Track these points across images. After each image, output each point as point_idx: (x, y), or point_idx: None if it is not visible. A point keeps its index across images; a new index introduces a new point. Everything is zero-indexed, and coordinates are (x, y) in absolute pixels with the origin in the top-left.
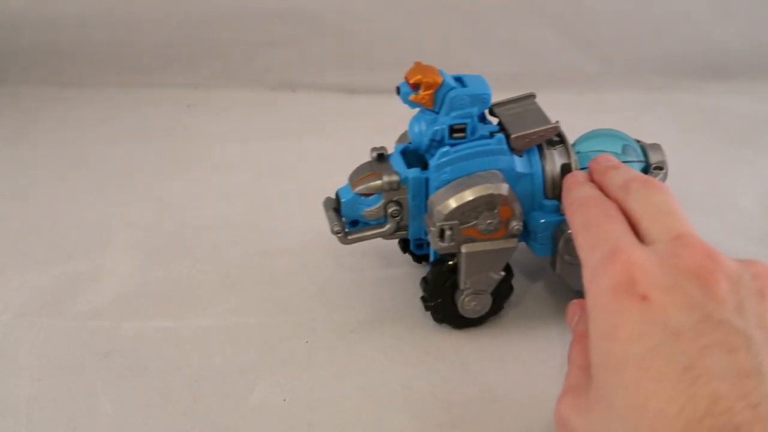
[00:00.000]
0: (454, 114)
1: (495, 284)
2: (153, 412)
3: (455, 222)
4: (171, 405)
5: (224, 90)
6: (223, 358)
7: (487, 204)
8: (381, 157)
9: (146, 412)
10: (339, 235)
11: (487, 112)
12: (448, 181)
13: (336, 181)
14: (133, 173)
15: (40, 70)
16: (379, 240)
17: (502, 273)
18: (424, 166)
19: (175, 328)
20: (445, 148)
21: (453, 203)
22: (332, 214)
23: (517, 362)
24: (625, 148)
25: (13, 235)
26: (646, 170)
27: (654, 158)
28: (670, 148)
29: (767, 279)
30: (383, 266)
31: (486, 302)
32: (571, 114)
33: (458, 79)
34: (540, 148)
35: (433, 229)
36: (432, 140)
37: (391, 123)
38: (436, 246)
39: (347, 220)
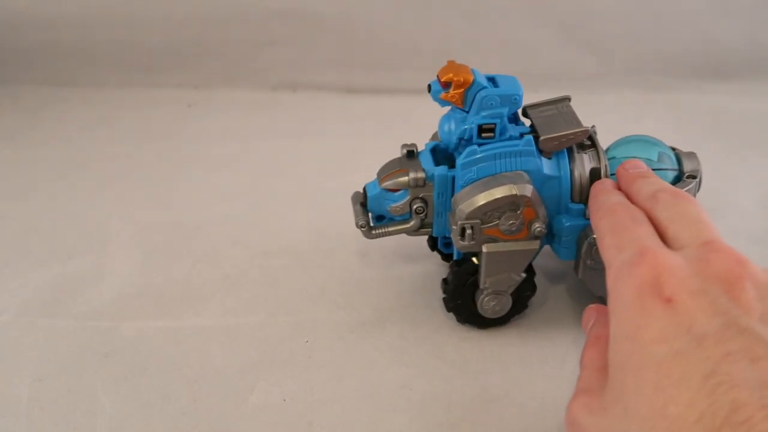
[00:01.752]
0: (483, 114)
1: (515, 285)
2: (153, 412)
3: (477, 221)
4: (171, 405)
5: (224, 90)
6: (223, 358)
7: (510, 205)
8: (410, 153)
9: (146, 412)
10: (363, 228)
11: (520, 113)
12: (474, 180)
13: (336, 180)
14: (133, 173)
15: (40, 70)
16: (379, 240)
17: (523, 274)
18: (453, 165)
19: (175, 328)
20: (473, 147)
21: (475, 202)
22: (359, 208)
23: (518, 364)
24: (660, 155)
25: (13, 235)
26: (679, 178)
27: (688, 167)
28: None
29: None
30: (383, 267)
31: (506, 303)
32: None
33: (491, 79)
34: (570, 151)
35: (454, 227)
36: (460, 139)
37: (392, 122)
38: (457, 244)
39: (373, 214)
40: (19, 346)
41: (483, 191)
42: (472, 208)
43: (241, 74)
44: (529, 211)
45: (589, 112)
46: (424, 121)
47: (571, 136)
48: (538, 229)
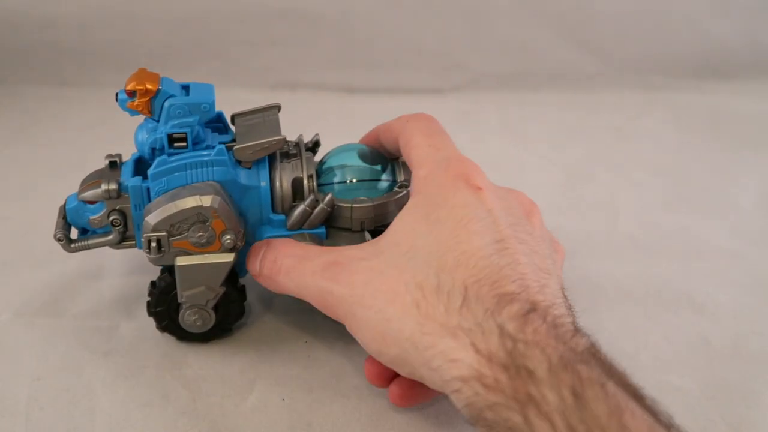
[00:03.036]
0: (172, 123)
1: (215, 300)
2: (152, 411)
3: (164, 233)
4: (170, 405)
5: (224, 90)
6: (222, 357)
7: (197, 216)
8: (113, 164)
9: (145, 412)
10: (61, 242)
11: (229, 121)
12: (165, 191)
13: None
14: None
15: (40, 70)
16: None
17: (221, 288)
18: None
19: None
20: (162, 157)
21: (160, 214)
22: (60, 220)
23: None
24: (383, 166)
25: (13, 235)
26: (392, 187)
27: (403, 175)
28: (670, 148)
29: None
30: None
31: (208, 319)
32: (571, 114)
33: (185, 87)
34: (273, 160)
35: (142, 239)
36: (153, 149)
37: None
38: (148, 258)
39: (77, 227)
40: (19, 345)
41: (168, 203)
42: (157, 220)
43: (240, 74)
44: (219, 222)
45: (589, 112)
46: None
47: (266, 145)
48: (228, 241)
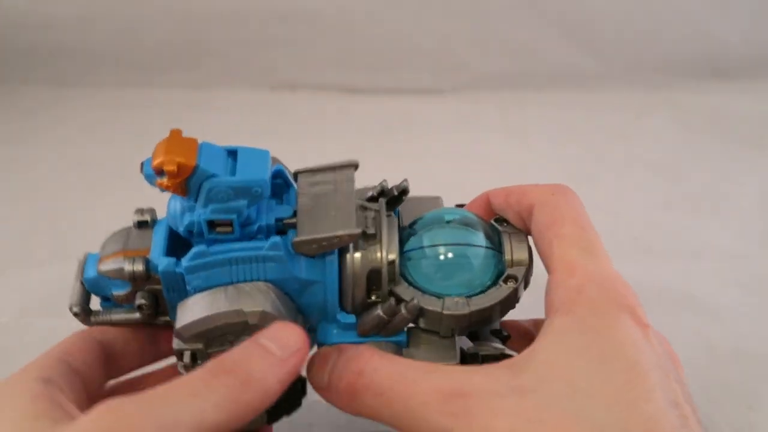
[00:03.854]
0: (212, 207)
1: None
2: None
3: (199, 346)
4: None
5: (224, 90)
6: None
7: (242, 330)
8: (142, 224)
9: None
10: (78, 317)
11: (291, 178)
12: (202, 289)
13: None
14: (133, 173)
15: (40, 70)
16: None
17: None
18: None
19: None
20: (200, 248)
21: (195, 326)
22: (78, 286)
23: None
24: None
25: (13, 235)
26: (500, 273)
27: (509, 252)
28: (671, 148)
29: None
30: None
31: (258, 420)
32: (571, 114)
33: (232, 153)
34: (343, 247)
35: (174, 347)
36: (189, 231)
37: (392, 123)
38: (180, 368)
39: (98, 296)
40: (19, 346)
41: (204, 312)
42: (190, 333)
43: (241, 74)
44: None
45: (589, 112)
46: (424, 122)
47: (334, 240)
48: None
